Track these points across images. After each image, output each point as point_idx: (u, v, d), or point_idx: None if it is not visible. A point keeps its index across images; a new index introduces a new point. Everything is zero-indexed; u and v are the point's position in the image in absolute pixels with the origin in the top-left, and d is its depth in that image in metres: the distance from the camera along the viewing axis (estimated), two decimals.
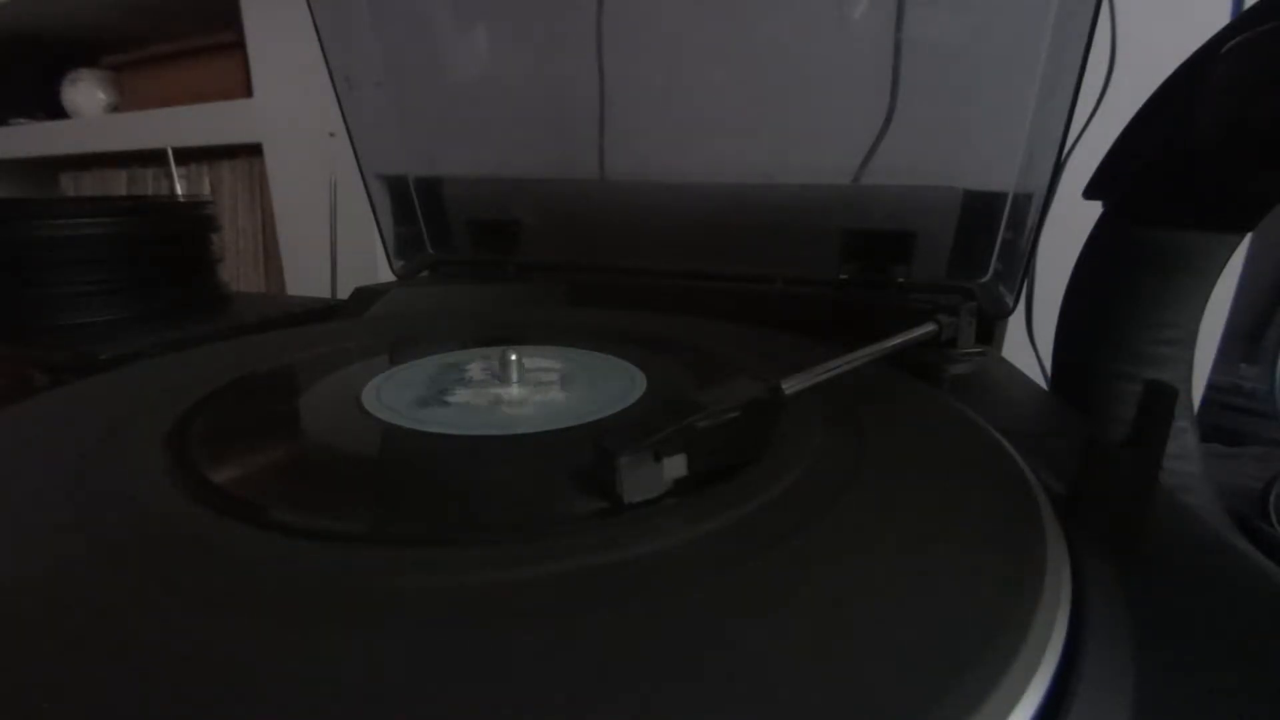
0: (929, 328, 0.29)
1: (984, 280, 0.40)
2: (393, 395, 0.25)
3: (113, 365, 0.33)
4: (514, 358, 0.26)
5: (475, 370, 0.28)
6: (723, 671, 0.11)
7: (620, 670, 0.11)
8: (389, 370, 0.28)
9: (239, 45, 0.85)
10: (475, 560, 0.14)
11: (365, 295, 0.45)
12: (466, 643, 0.12)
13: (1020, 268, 0.37)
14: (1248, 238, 0.29)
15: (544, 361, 0.29)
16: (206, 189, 0.97)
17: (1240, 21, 0.25)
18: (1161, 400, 0.16)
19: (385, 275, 0.55)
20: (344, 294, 0.48)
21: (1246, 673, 0.12)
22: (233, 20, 0.83)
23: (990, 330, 0.37)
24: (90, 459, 0.19)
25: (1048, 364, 0.36)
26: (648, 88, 0.48)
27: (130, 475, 0.18)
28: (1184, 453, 0.29)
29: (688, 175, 0.46)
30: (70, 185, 1.12)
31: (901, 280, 0.40)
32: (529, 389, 0.26)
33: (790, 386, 0.20)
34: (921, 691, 0.10)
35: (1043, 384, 0.34)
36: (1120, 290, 0.30)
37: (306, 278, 0.89)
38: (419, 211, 0.54)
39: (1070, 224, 0.33)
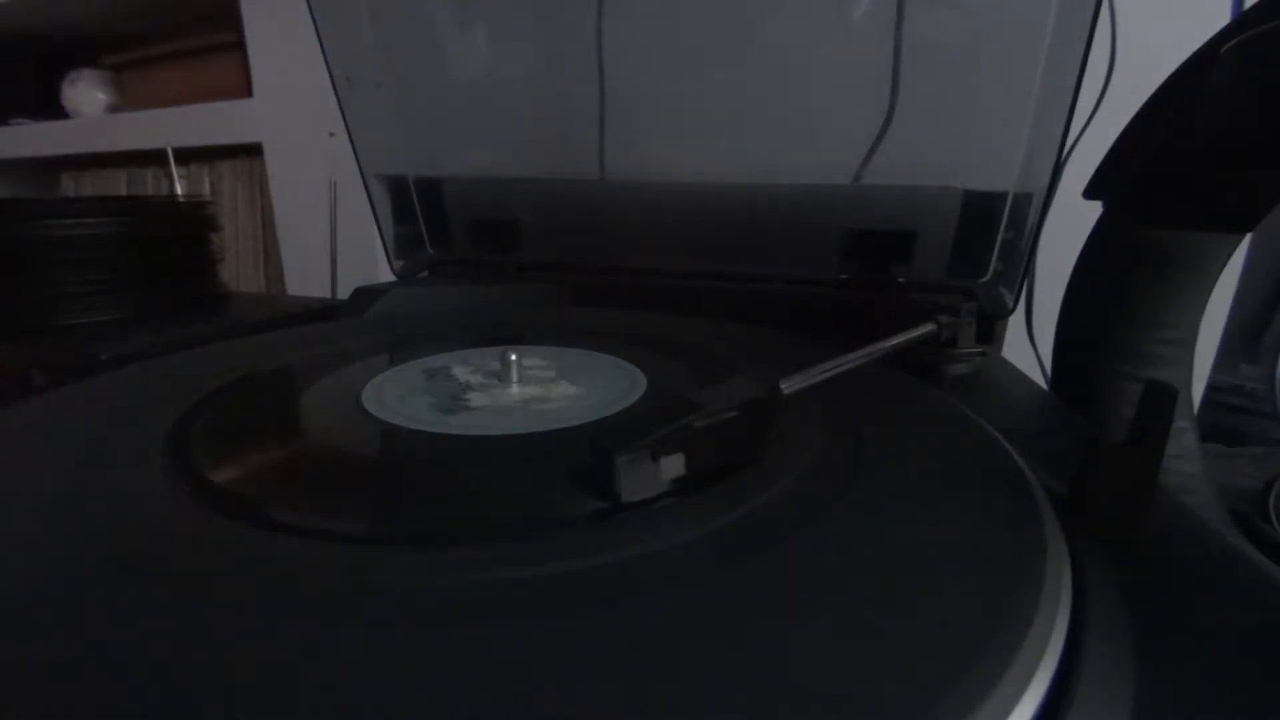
0: (929, 328, 0.29)
1: (984, 280, 0.40)
2: (393, 395, 0.25)
3: (113, 365, 0.33)
4: (514, 358, 0.26)
5: (475, 371, 0.28)
6: (722, 672, 0.11)
7: (619, 671, 0.11)
8: (389, 370, 0.28)
9: (239, 45, 0.85)
10: (474, 560, 0.14)
11: (365, 295, 0.45)
12: (466, 642, 0.12)
13: (1020, 268, 0.37)
14: (1248, 238, 0.29)
15: (544, 361, 0.29)
16: (206, 189, 0.97)
17: (1240, 21, 0.25)
18: (1161, 400, 0.16)
19: (385, 275, 0.55)
20: (344, 294, 0.48)
21: (1246, 673, 0.12)
22: (233, 20, 0.83)
23: (990, 330, 0.37)
24: (90, 459, 0.19)
25: (1048, 364, 0.36)
26: (648, 88, 0.47)
27: (130, 475, 0.18)
28: (1184, 453, 0.29)
29: (688, 175, 0.46)
30: (70, 185, 1.12)
31: (901, 280, 0.40)
32: (529, 389, 0.26)
33: (789, 386, 0.20)
34: (922, 691, 0.10)
35: (1043, 384, 0.34)
36: (1120, 290, 0.30)
37: (306, 278, 0.89)
38: (419, 211, 0.54)
39: (1070, 224, 0.33)
